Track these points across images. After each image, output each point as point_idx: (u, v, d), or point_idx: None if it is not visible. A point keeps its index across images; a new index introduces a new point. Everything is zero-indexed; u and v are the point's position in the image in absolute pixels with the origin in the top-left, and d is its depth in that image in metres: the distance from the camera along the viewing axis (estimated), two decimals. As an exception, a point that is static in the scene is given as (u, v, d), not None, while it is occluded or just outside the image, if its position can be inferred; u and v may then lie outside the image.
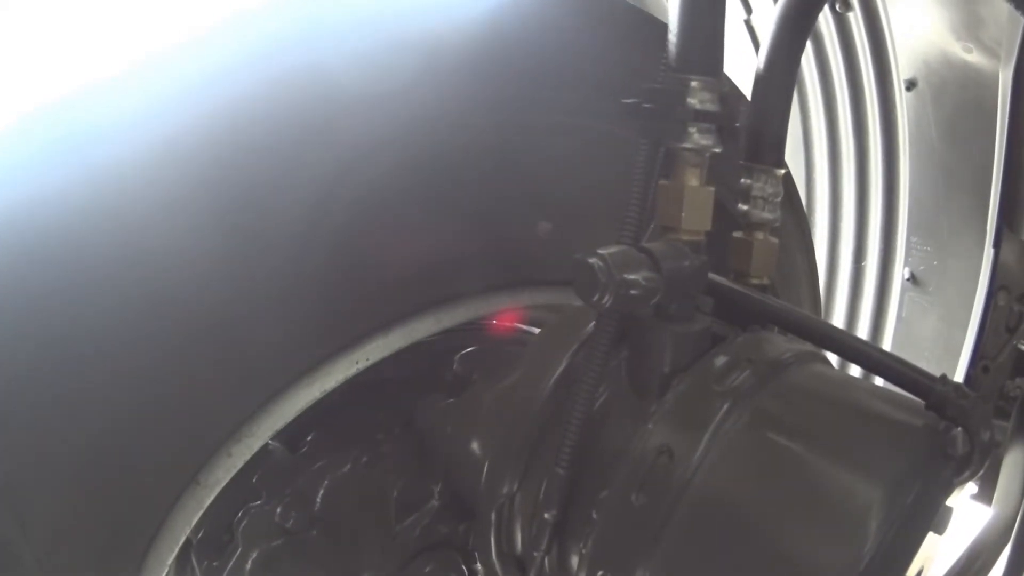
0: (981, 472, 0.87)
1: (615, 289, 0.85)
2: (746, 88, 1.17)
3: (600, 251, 0.86)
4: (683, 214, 0.94)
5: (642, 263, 0.89)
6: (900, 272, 2.30)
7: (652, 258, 0.90)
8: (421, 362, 1.28)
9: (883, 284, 2.36)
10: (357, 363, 1.09)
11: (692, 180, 0.94)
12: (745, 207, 1.09)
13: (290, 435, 1.18)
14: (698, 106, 0.91)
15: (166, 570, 1.04)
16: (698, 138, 0.92)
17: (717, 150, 0.94)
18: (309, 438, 1.22)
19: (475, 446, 1.11)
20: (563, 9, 1.25)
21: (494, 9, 1.16)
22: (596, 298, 0.86)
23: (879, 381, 1.03)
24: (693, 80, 0.91)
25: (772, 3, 2.29)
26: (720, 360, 0.96)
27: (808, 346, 1.01)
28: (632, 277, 0.87)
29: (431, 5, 1.12)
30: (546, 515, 0.98)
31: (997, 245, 1.92)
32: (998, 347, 1.95)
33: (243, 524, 1.17)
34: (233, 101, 0.97)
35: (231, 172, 0.97)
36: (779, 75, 1.12)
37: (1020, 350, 1.94)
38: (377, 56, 1.05)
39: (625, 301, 0.87)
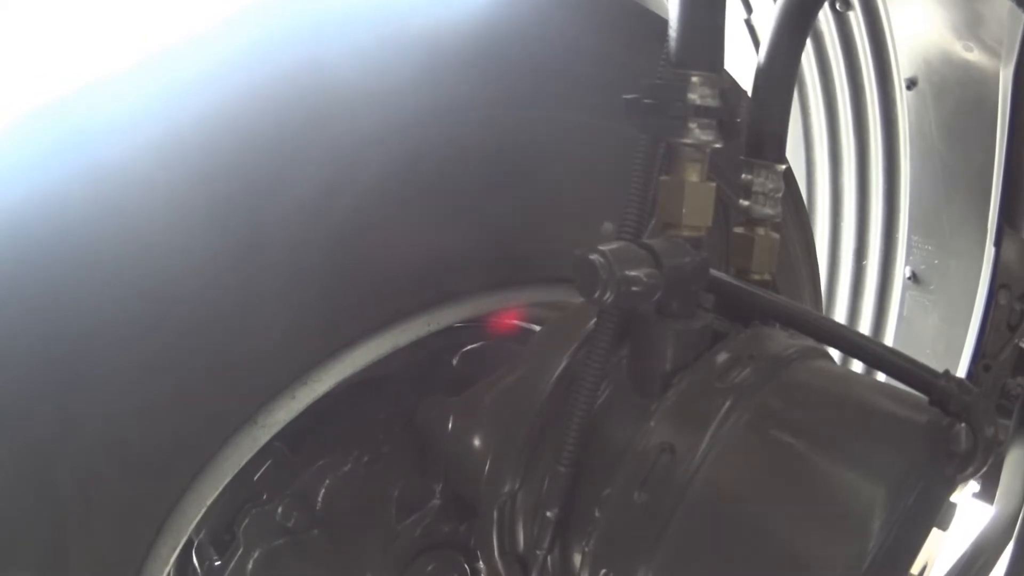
0: (984, 468, 0.87)
1: (616, 286, 0.85)
2: (747, 87, 1.16)
3: (601, 247, 0.86)
4: (684, 210, 0.94)
5: (643, 259, 0.88)
6: (901, 271, 2.29)
7: (653, 254, 0.89)
8: (422, 360, 1.27)
9: (884, 283, 2.36)
10: (358, 361, 1.09)
11: (693, 176, 0.94)
12: (746, 203, 1.09)
13: (291, 434, 1.18)
14: (698, 101, 0.90)
15: (167, 570, 1.04)
16: (699, 133, 0.92)
17: (718, 145, 0.94)
18: (310, 437, 1.21)
19: (476, 444, 1.11)
20: (562, 5, 1.25)
21: (493, 5, 1.16)
22: (597, 295, 0.86)
23: (881, 377, 1.02)
24: (693, 75, 0.91)
25: (772, 2, 2.28)
26: (722, 357, 0.96)
27: (810, 342, 1.00)
28: (633, 274, 0.86)
29: (430, 1, 1.12)
30: (548, 513, 0.98)
31: (998, 243, 1.92)
32: (999, 345, 1.95)
33: (244, 523, 1.17)
34: (232, 99, 0.97)
35: (231, 170, 0.97)
36: (780, 71, 1.11)
37: (1021, 348, 1.93)
38: (376, 53, 1.05)
39: (626, 298, 0.86)
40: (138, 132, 0.93)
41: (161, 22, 1.00)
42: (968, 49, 1.98)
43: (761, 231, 1.08)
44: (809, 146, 2.46)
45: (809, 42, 2.30)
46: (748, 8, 2.37)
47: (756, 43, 2.39)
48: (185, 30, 0.97)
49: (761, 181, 1.07)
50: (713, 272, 1.00)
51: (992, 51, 1.92)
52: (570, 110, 1.23)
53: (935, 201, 2.19)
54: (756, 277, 1.08)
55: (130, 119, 0.93)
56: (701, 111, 0.91)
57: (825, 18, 2.26)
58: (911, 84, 2.14)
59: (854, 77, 2.30)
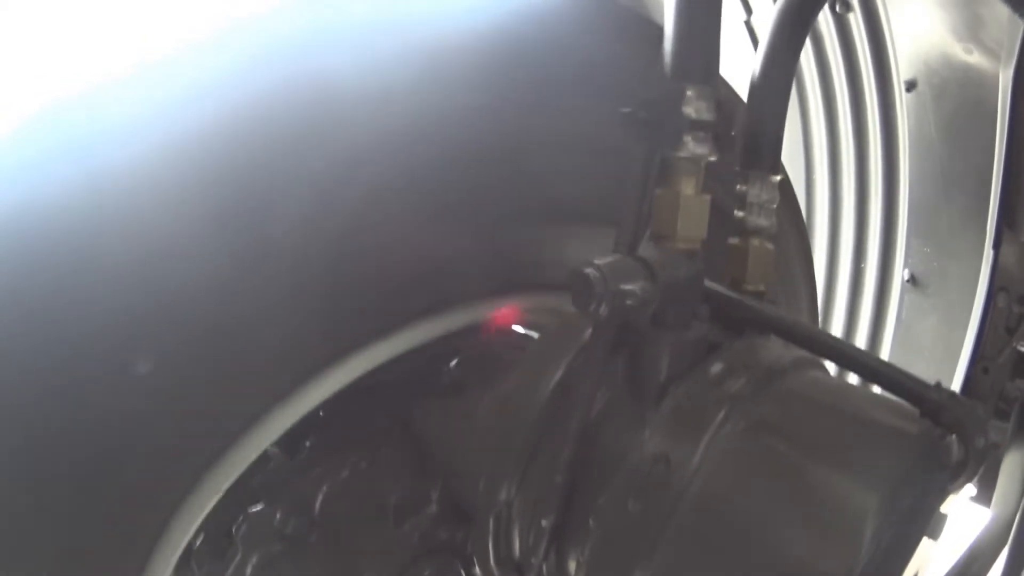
0: (975, 479, 0.87)
1: (611, 299, 0.85)
2: (744, 90, 1.16)
3: (596, 261, 0.87)
4: (679, 223, 0.94)
5: (638, 272, 0.89)
6: (900, 273, 2.29)
7: (648, 267, 0.90)
8: (420, 366, 1.28)
9: (883, 285, 2.36)
10: (357, 367, 1.10)
11: (688, 188, 0.94)
12: (741, 213, 1.10)
13: (289, 440, 1.18)
14: (693, 115, 0.91)
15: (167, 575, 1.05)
16: (693, 147, 0.92)
17: (713, 158, 0.95)
18: (308, 443, 1.22)
19: (473, 452, 1.11)
20: (571, 16, 1.25)
21: (502, 14, 1.16)
22: (592, 308, 0.86)
23: (875, 388, 1.03)
24: (689, 88, 0.91)
25: (772, 3, 2.28)
26: (716, 367, 0.96)
27: (804, 353, 1.01)
28: (628, 287, 0.87)
29: (438, 10, 1.12)
30: (544, 521, 0.99)
31: (997, 246, 1.92)
32: (998, 348, 1.95)
33: (242, 529, 1.17)
34: (237, 104, 0.97)
35: (234, 175, 0.97)
36: (775, 79, 1.12)
37: (1020, 352, 1.94)
38: (381, 60, 1.06)
39: (621, 311, 0.87)
40: (142, 137, 0.94)
41: (166, 27, 1.00)
42: (968, 51, 1.98)
43: (756, 242, 1.09)
44: (808, 148, 2.45)
45: (809, 44, 2.30)
46: (748, 10, 2.37)
47: (756, 45, 2.39)
48: (190, 35, 0.98)
49: (756, 192, 1.08)
50: (707, 283, 1.01)
51: (992, 53, 1.92)
52: (578, 120, 1.23)
53: (934, 203, 2.19)
54: (750, 288, 1.09)
55: (135, 124, 0.93)
56: (696, 124, 0.91)
57: (824, 20, 2.26)
58: (911, 86, 2.14)
59: (853, 79, 2.29)
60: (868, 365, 0.95)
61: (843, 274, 2.43)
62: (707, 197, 0.96)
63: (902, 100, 2.18)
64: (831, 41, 2.29)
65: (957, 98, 2.07)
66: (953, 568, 1.00)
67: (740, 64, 2.10)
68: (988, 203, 1.93)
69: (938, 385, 0.89)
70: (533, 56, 1.19)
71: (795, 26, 1.12)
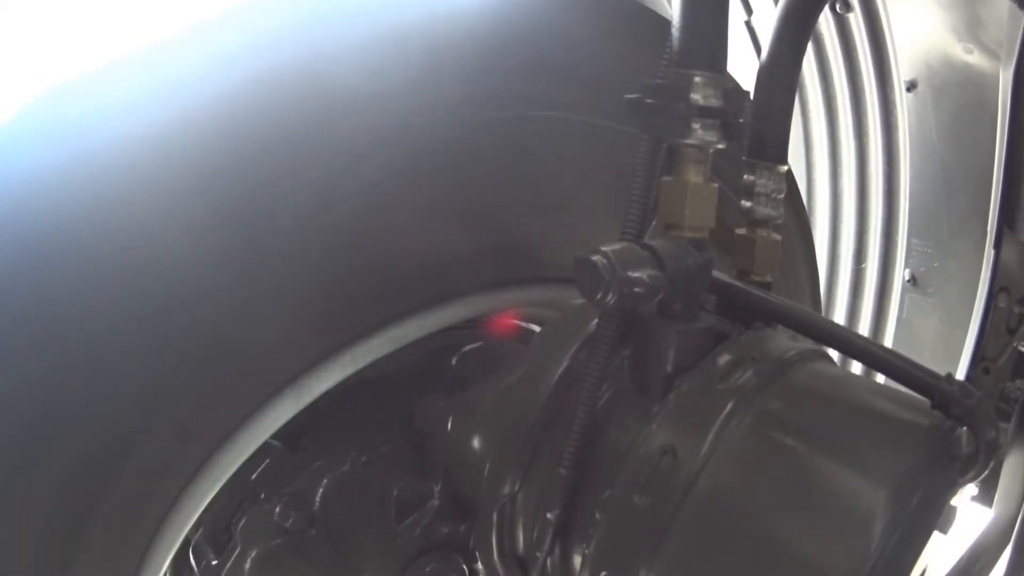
0: (986, 472, 0.87)
1: (618, 287, 0.84)
2: (747, 88, 1.16)
3: (603, 248, 0.85)
4: (686, 211, 0.93)
5: (645, 261, 0.88)
6: (900, 273, 2.29)
7: (655, 255, 0.89)
8: (421, 360, 1.27)
9: (883, 286, 2.36)
10: (357, 361, 1.09)
11: (695, 177, 0.93)
12: (748, 204, 1.09)
13: (289, 434, 1.17)
14: (701, 102, 0.90)
15: (164, 569, 1.04)
16: (701, 134, 0.91)
17: (720, 146, 0.94)
18: (308, 437, 1.21)
19: (476, 445, 1.10)
20: (565, 5, 1.25)
21: (496, 5, 1.16)
22: (599, 296, 0.85)
23: (882, 379, 1.02)
24: (696, 75, 0.90)
25: (773, 4, 2.28)
26: (724, 359, 0.95)
27: (811, 344, 1.00)
28: (635, 275, 0.86)
29: (432, 1, 1.12)
30: (548, 515, 0.97)
31: (998, 246, 1.92)
32: (999, 349, 1.95)
33: (242, 523, 1.16)
34: (233, 96, 0.96)
35: (231, 168, 0.96)
36: (782, 72, 1.11)
37: (1021, 352, 1.94)
38: (377, 52, 1.05)
39: (628, 299, 0.86)
40: (138, 129, 0.93)
41: (162, 15, 0.99)
42: (968, 51, 1.98)
43: (763, 232, 1.08)
44: (809, 148, 2.46)
45: (809, 44, 2.30)
46: (748, 10, 2.37)
47: (756, 45, 2.39)
48: (185, 24, 0.97)
49: (763, 182, 1.07)
50: (715, 273, 1.00)
51: (992, 53, 1.93)
52: (575, 111, 1.22)
53: (935, 204, 2.19)
54: (757, 278, 1.08)
55: (130, 114, 0.93)
56: (704, 111, 0.90)
57: (825, 20, 2.26)
58: (911, 86, 2.14)
59: (854, 79, 2.30)
60: (878, 356, 0.94)
61: (844, 274, 2.43)
62: (715, 185, 0.95)
63: (903, 100, 2.18)
64: (831, 41, 2.29)
65: (957, 98, 2.07)
66: (956, 567, 0.99)
67: (741, 64, 2.10)
68: (988, 203, 1.94)
69: (949, 376, 0.88)
70: (531, 46, 1.19)
71: (799, 22, 1.11)
